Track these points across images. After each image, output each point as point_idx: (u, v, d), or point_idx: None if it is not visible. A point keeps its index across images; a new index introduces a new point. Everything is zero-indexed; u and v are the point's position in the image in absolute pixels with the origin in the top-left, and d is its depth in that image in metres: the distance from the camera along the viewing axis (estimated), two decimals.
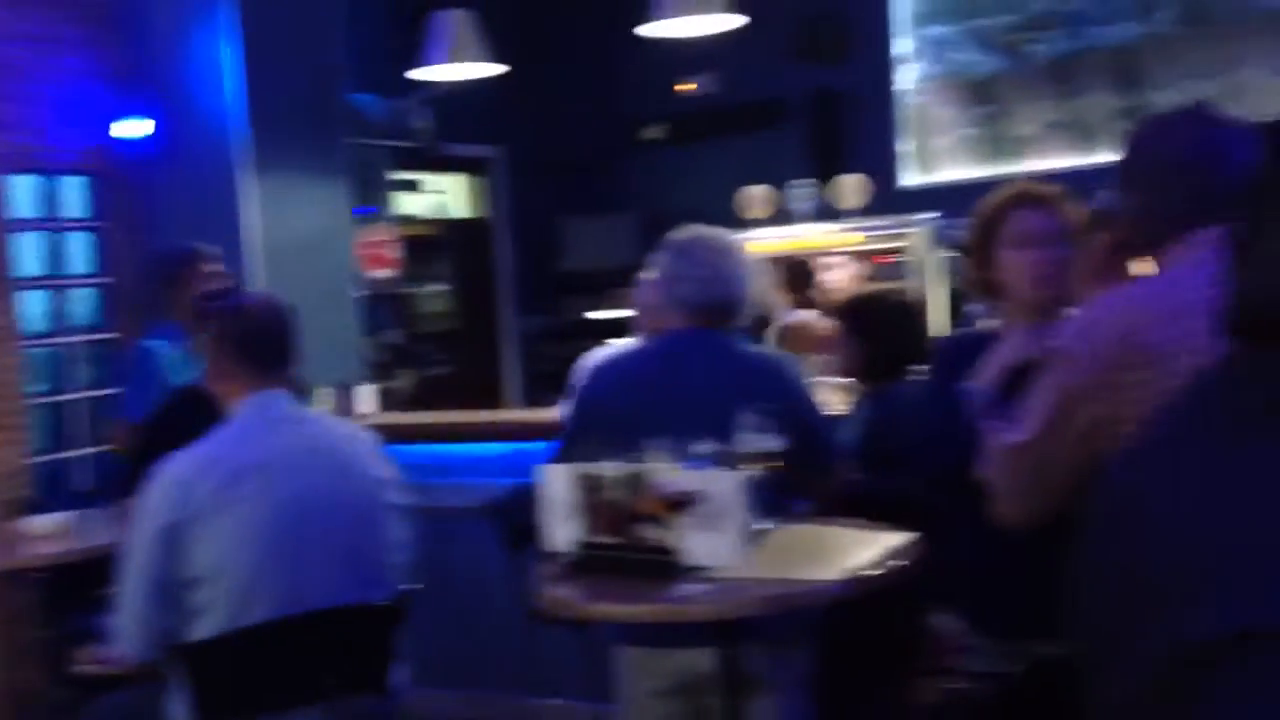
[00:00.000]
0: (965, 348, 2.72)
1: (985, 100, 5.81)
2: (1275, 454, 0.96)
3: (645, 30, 4.37)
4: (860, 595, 2.15)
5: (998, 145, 5.80)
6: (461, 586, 3.99)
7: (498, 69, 4.43)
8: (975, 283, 2.83)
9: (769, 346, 3.44)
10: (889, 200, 5.59)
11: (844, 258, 4.80)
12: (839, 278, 4.74)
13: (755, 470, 2.49)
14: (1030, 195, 2.60)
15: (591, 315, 6.44)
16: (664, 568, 2.13)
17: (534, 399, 6.40)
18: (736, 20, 4.07)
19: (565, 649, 3.51)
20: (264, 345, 2.38)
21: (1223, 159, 1.85)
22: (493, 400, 6.59)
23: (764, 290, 3.09)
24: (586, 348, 3.92)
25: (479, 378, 6.78)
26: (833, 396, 4.12)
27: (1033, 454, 1.84)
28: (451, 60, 4.29)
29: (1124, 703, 0.93)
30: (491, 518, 3.25)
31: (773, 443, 2.50)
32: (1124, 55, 5.44)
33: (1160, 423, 1.12)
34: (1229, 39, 5.21)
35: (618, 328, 4.60)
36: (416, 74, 4.43)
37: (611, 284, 5.50)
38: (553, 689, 3.97)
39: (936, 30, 5.87)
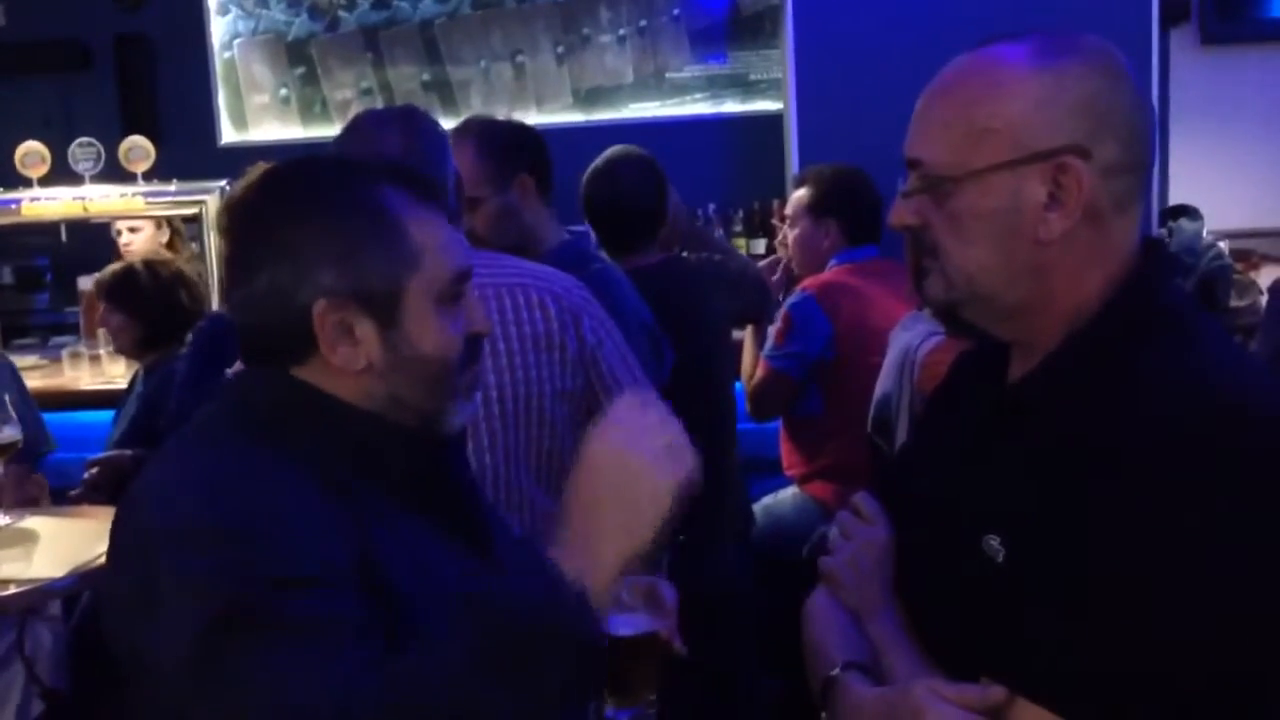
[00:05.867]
0: (221, 330, 2.77)
1: (299, 61, 5.85)
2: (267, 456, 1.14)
3: None
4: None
5: (314, 108, 5.88)
6: None
7: None
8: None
9: None
10: (209, 160, 5.42)
11: (145, 222, 4.59)
12: (138, 244, 4.55)
13: None
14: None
15: None
16: None
17: None
18: None
19: None
20: None
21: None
22: None
23: None
24: None
25: None
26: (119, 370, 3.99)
27: None
28: None
29: None
30: None
31: (7, 433, 2.39)
32: (428, 31, 5.75)
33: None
34: (515, 24, 5.71)
35: None
36: None
37: None
38: None
39: None
